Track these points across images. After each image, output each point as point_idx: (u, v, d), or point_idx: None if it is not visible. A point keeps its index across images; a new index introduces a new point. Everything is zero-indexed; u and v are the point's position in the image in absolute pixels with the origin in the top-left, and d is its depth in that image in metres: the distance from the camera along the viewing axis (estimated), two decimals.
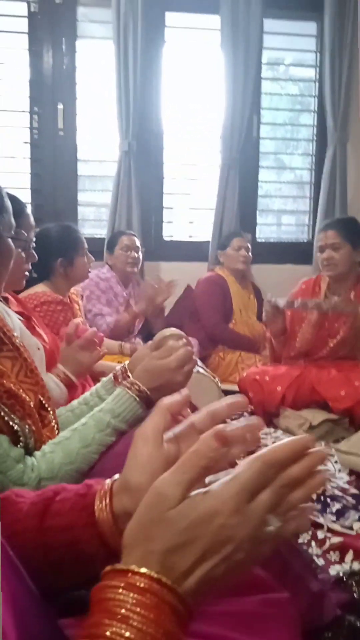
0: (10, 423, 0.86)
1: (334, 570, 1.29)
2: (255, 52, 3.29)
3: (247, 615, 0.66)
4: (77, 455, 0.92)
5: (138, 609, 0.41)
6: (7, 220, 0.99)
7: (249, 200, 3.52)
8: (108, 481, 0.59)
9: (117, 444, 0.96)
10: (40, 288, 2.11)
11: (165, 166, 3.43)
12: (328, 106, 3.41)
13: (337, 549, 1.40)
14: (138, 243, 2.97)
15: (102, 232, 3.36)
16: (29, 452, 0.90)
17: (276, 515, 0.45)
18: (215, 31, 3.25)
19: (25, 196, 3.22)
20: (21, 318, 1.40)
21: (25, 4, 3.16)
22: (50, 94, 3.25)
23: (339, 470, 1.83)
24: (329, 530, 1.48)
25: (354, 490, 1.71)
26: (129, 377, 1.03)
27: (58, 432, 1.01)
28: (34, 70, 3.21)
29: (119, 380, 1.07)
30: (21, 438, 0.87)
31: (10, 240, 1.00)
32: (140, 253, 2.97)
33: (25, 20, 3.17)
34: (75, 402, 1.15)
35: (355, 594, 1.17)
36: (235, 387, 2.51)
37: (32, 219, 1.57)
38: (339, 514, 1.56)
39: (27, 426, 0.89)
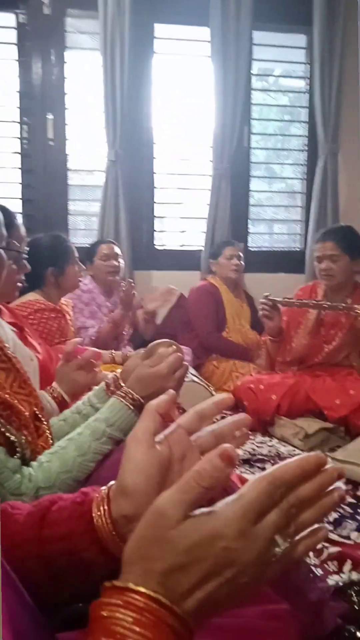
0: (7, 434, 0.86)
1: (332, 580, 1.28)
2: (245, 64, 3.32)
3: (248, 630, 0.65)
4: (74, 464, 0.92)
5: (136, 628, 0.40)
6: None
7: (241, 209, 3.54)
8: (104, 488, 0.59)
9: (113, 453, 0.96)
10: (32, 296, 2.10)
11: (156, 175, 3.44)
12: (318, 117, 3.44)
13: (334, 559, 1.38)
14: (118, 250, 2.93)
15: (92, 241, 3.36)
16: (25, 462, 0.90)
17: (284, 537, 0.43)
18: (205, 42, 3.28)
19: (16, 206, 3.21)
20: (14, 329, 1.38)
21: (13, 15, 3.18)
22: (40, 105, 3.26)
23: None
24: (327, 540, 1.46)
25: (351, 500, 1.70)
26: (121, 386, 1.04)
27: (52, 442, 1.01)
28: (23, 81, 3.23)
29: (111, 389, 1.07)
30: (18, 449, 0.87)
31: (1, 250, 0.99)
32: (120, 260, 2.93)
33: (14, 32, 3.19)
34: (67, 412, 1.15)
35: (355, 605, 1.15)
36: (231, 395, 2.50)
37: (23, 229, 1.57)
38: (336, 524, 1.55)
39: (23, 437, 0.89)
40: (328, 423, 2.21)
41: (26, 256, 1.50)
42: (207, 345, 3.05)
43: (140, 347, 1.20)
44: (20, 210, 3.24)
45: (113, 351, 2.57)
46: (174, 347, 1.05)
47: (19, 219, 1.60)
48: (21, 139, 3.26)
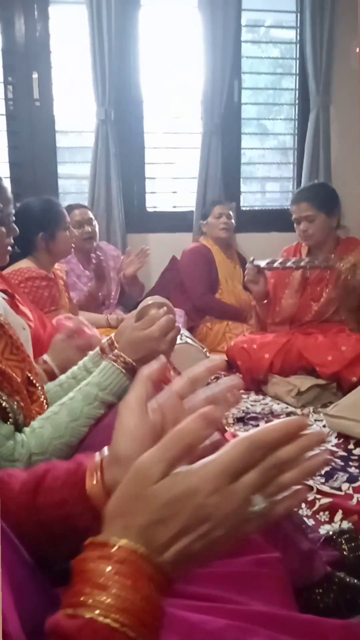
0: None
1: (323, 530, 1.32)
2: (234, 14, 3.20)
3: (238, 575, 0.68)
4: (66, 429, 0.92)
5: (116, 577, 0.43)
6: None
7: (232, 168, 3.47)
8: (97, 455, 0.60)
9: (106, 417, 0.96)
10: (24, 264, 2.09)
11: (146, 135, 3.36)
12: (310, 69, 3.35)
13: (326, 510, 1.43)
14: (91, 215, 2.82)
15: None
16: (18, 428, 0.90)
17: (264, 496, 0.45)
18: None
19: (3, 170, 3.15)
20: (5, 296, 1.38)
21: None
22: (24, 63, 3.15)
23: (328, 434, 1.87)
24: (319, 492, 1.51)
25: (342, 453, 1.75)
26: (116, 348, 1.03)
27: (47, 408, 1.01)
28: (5, 38, 3.11)
29: (106, 352, 1.07)
30: (10, 415, 0.88)
31: None
32: (95, 224, 2.82)
33: None
34: (63, 377, 1.15)
35: (344, 552, 1.20)
36: (224, 357, 2.53)
37: (9, 192, 1.54)
38: (328, 476, 1.60)
39: (15, 403, 0.89)
40: (320, 380, 2.24)
41: (14, 219, 1.48)
42: (200, 307, 3.06)
43: (133, 309, 1.18)
44: (8, 174, 3.17)
45: (109, 315, 2.58)
46: (165, 308, 1.04)
47: (7, 184, 1.57)
48: (6, 99, 3.16)
